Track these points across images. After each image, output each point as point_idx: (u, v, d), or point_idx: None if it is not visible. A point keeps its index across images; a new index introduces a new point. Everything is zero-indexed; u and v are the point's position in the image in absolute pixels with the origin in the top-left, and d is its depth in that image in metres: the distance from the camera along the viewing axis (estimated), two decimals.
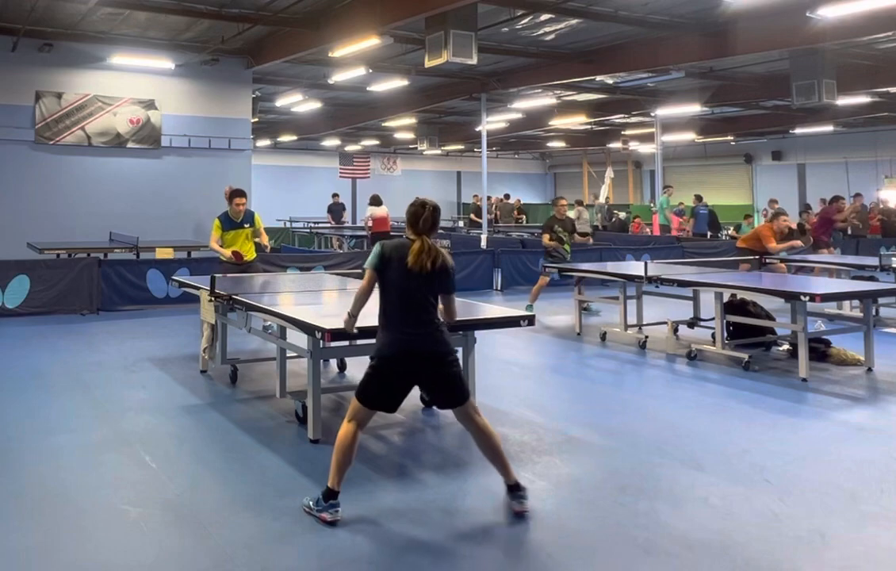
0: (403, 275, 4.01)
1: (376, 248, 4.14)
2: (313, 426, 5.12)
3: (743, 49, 12.95)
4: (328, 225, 22.47)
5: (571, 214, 23.69)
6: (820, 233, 12.21)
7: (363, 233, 17.52)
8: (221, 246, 8.50)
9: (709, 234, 20.02)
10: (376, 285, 4.11)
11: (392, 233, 16.98)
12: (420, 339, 4.00)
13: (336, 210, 22.65)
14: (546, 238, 10.79)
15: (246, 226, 8.64)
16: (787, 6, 11.34)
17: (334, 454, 3.98)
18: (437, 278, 4.05)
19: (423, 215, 4.10)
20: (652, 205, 21.90)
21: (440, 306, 4.14)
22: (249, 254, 8.72)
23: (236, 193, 8.66)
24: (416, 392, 6.11)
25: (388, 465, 4.77)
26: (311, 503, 3.98)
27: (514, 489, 4.01)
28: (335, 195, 23.46)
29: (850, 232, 17.56)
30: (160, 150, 15.20)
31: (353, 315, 4.36)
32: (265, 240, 9.06)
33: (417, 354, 4.01)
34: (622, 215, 25.56)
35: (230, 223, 8.57)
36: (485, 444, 4.07)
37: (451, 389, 4.07)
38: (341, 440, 3.98)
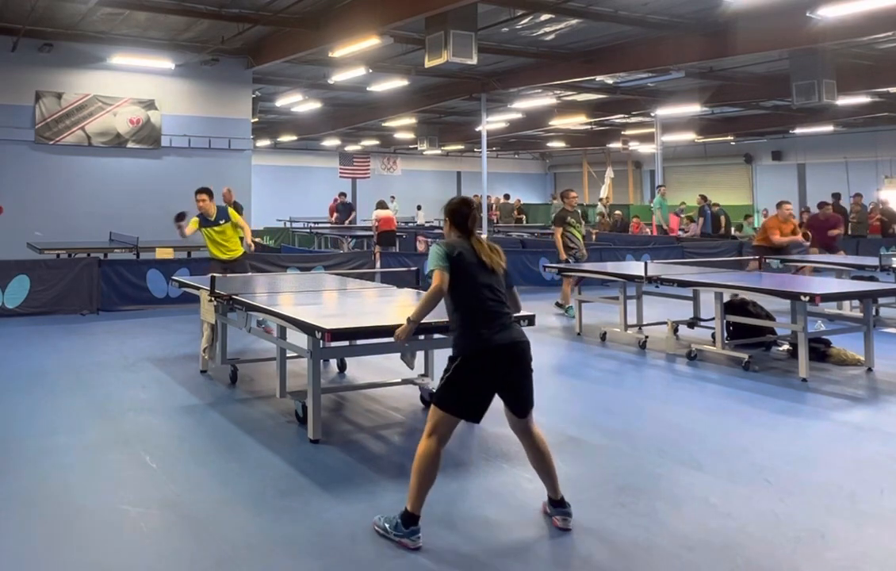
0: (477, 272, 3.89)
1: (439, 249, 3.91)
2: (313, 426, 5.12)
3: (743, 49, 12.95)
4: (328, 225, 22.45)
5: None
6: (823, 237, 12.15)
7: (368, 233, 18.01)
8: (207, 243, 8.70)
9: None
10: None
11: (397, 232, 17.34)
12: (505, 332, 3.84)
13: (344, 210, 22.65)
14: (559, 234, 10.60)
15: (222, 222, 8.70)
16: (787, 6, 11.34)
17: (414, 474, 3.70)
18: (503, 274, 4.01)
19: (470, 214, 4.04)
20: (650, 205, 21.89)
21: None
22: (236, 251, 8.78)
23: (198, 191, 8.75)
24: (416, 392, 6.13)
25: (388, 465, 4.77)
26: (387, 526, 3.71)
27: (559, 505, 3.88)
28: (342, 194, 23.46)
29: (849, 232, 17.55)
30: (160, 150, 15.20)
31: (415, 321, 4.07)
32: (248, 235, 8.98)
33: (504, 349, 3.81)
34: (616, 213, 25.56)
35: (206, 222, 8.69)
36: (539, 456, 3.92)
37: (528, 390, 3.93)
38: (423, 457, 3.70)
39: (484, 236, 18.01)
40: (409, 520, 3.65)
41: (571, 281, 10.08)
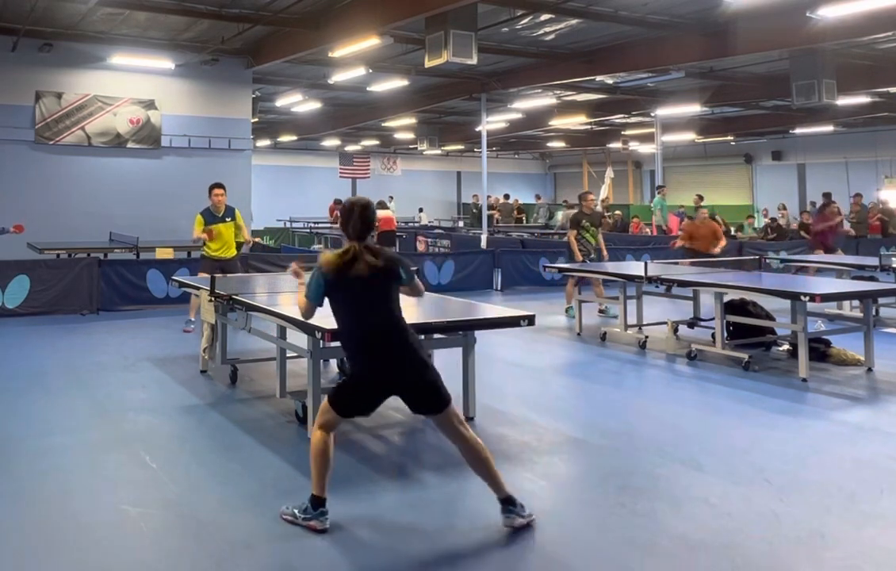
0: (354, 288, 3.85)
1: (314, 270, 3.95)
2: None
3: (743, 49, 12.94)
4: (328, 225, 22.47)
5: (559, 215, 23.64)
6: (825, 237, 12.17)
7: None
8: (206, 240, 8.83)
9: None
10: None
11: (397, 232, 17.50)
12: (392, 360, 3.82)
13: None
14: (571, 236, 10.58)
15: (228, 220, 8.92)
16: (787, 6, 11.33)
17: (313, 461, 3.85)
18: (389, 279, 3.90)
19: (351, 220, 3.91)
20: (651, 206, 21.89)
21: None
22: (231, 250, 8.98)
23: (215, 186, 8.94)
24: None
25: (388, 465, 4.77)
26: (295, 511, 3.85)
27: (507, 503, 3.76)
28: (339, 202, 23.53)
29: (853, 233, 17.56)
30: (160, 150, 15.19)
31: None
32: (246, 236, 9.22)
33: (392, 373, 3.85)
34: (616, 213, 25.58)
35: (212, 217, 8.90)
36: (472, 456, 3.83)
37: (428, 395, 3.83)
38: (316, 447, 3.85)
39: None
40: (317, 503, 3.81)
41: (573, 281, 10.05)
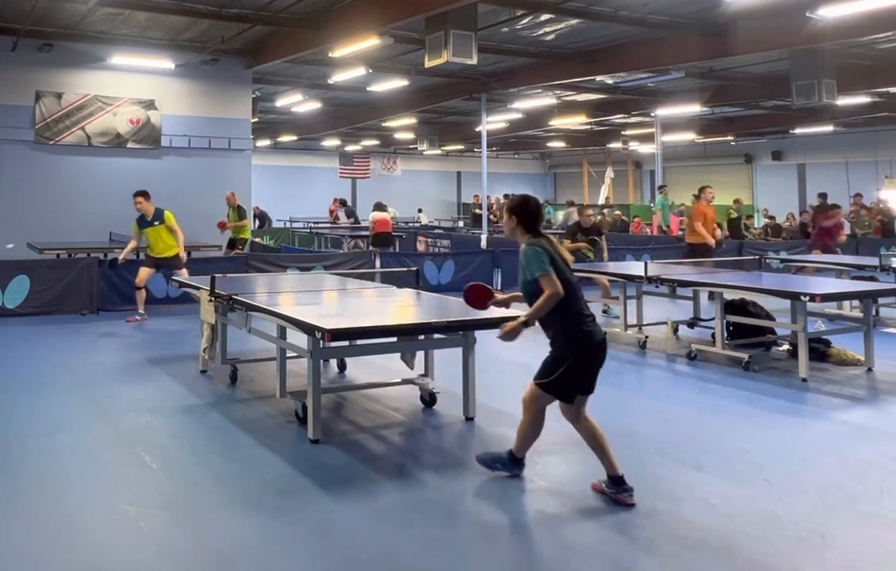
0: (568, 271, 4.14)
1: (539, 252, 4.05)
2: (313, 427, 5.12)
3: (743, 49, 12.94)
4: (328, 225, 22.46)
5: (559, 215, 23.59)
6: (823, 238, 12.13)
7: (366, 233, 18.07)
8: (141, 244, 10.06)
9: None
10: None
11: (396, 232, 17.53)
12: (597, 327, 4.17)
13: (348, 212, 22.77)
14: (567, 244, 10.65)
15: (156, 224, 9.86)
16: (787, 6, 11.33)
17: (596, 448, 4.14)
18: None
19: (540, 213, 4.23)
20: (652, 205, 21.90)
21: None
22: (168, 250, 9.88)
23: (136, 193, 9.87)
24: (417, 392, 6.13)
25: (388, 465, 4.77)
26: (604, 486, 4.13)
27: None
28: (342, 201, 23.63)
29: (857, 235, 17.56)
30: (160, 150, 15.19)
31: (529, 323, 4.14)
32: (180, 238, 9.98)
33: (603, 341, 4.14)
34: (616, 213, 25.58)
35: (144, 223, 9.91)
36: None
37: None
38: (588, 434, 4.15)
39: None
40: (618, 481, 4.13)
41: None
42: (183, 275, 9.22)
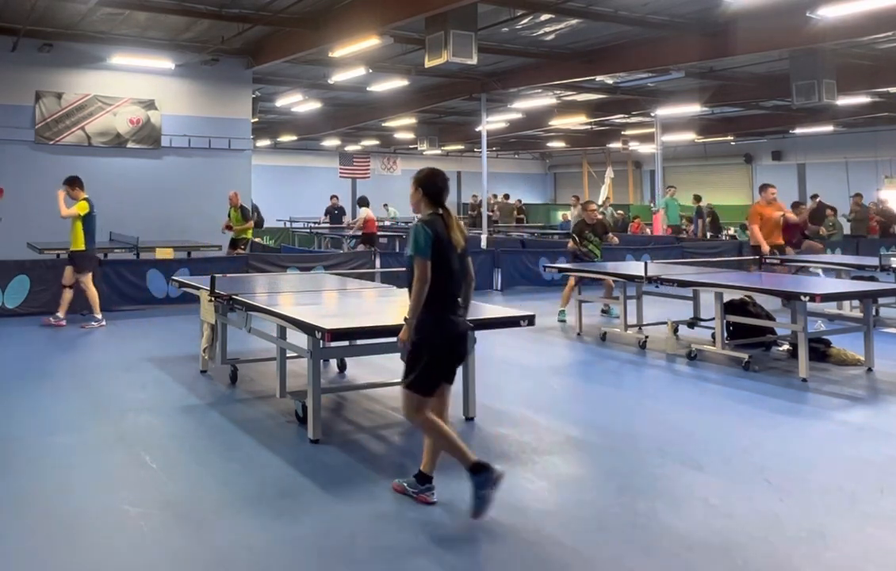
0: (454, 256, 4.04)
1: (424, 231, 3.95)
2: (313, 426, 5.12)
3: (743, 49, 12.94)
4: (329, 226, 22.40)
5: (559, 215, 23.50)
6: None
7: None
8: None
9: (708, 234, 20.04)
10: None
11: (397, 232, 17.50)
12: (462, 321, 4.14)
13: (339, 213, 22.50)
14: (571, 244, 10.53)
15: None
16: (787, 6, 11.33)
17: (434, 443, 4.10)
18: (464, 252, 4.14)
19: (445, 187, 4.16)
20: (652, 205, 21.90)
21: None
22: (76, 245, 9.49)
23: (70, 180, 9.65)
24: None
25: (388, 465, 4.77)
26: (405, 484, 4.17)
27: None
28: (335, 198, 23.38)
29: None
30: (160, 150, 15.19)
31: (409, 319, 4.03)
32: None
33: (460, 335, 4.10)
34: (618, 212, 25.60)
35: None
36: (437, 431, 4.10)
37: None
38: (431, 432, 4.06)
39: (485, 236, 17.98)
40: (424, 479, 4.14)
41: (573, 285, 9.98)
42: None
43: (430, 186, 4.13)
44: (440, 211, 4.10)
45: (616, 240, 10.84)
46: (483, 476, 3.83)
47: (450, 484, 4.39)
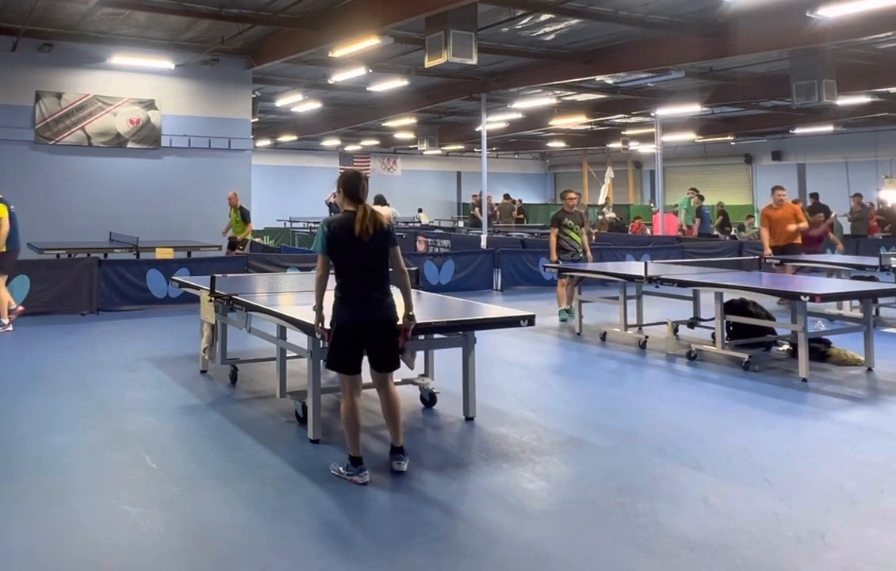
0: (356, 250, 4.40)
1: (321, 230, 4.49)
2: (313, 426, 5.12)
3: (743, 49, 12.94)
4: None
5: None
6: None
7: None
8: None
9: (714, 232, 20.05)
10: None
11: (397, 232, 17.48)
12: (375, 308, 4.46)
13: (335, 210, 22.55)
14: (553, 235, 10.24)
15: None
16: (787, 6, 11.33)
17: (350, 426, 4.48)
18: (380, 241, 4.47)
19: (360, 186, 4.55)
20: (652, 205, 21.91)
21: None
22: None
23: None
24: (417, 392, 6.13)
25: (388, 464, 4.77)
26: (340, 468, 4.48)
27: (398, 452, 4.58)
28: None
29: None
30: (160, 150, 15.20)
31: (317, 308, 4.55)
32: (2, 232, 9.46)
33: (362, 323, 4.45)
34: (611, 214, 25.64)
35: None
36: (391, 407, 4.60)
37: (387, 354, 4.54)
38: (342, 410, 4.50)
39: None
40: (356, 462, 4.46)
41: (568, 283, 9.93)
42: None
43: (348, 186, 4.57)
44: (354, 208, 4.50)
45: (594, 237, 10.67)
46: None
47: (449, 484, 4.39)
